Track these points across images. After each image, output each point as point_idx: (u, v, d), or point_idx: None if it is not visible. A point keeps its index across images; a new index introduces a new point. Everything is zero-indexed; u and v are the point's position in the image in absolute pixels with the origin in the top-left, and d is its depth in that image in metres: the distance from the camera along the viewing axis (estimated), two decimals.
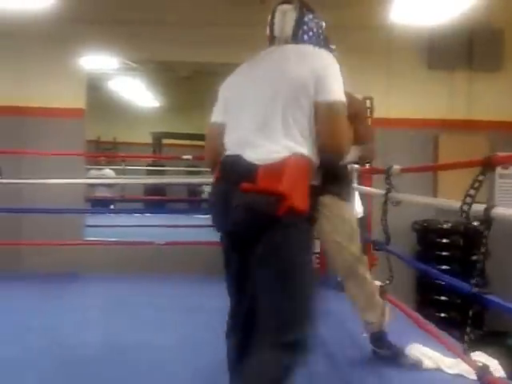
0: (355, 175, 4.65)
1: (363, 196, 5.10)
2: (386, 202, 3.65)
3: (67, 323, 4.37)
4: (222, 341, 2.33)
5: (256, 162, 2.11)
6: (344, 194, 3.67)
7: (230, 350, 2.33)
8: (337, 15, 6.18)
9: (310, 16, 2.38)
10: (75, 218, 6.25)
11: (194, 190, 13.46)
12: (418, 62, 6.65)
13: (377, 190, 4.31)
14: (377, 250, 3.85)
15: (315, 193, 3.22)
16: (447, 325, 5.04)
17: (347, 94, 2.24)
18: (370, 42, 6.22)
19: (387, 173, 3.63)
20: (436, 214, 6.54)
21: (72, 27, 6.00)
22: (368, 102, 5.97)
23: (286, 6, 2.37)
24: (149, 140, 14.96)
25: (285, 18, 2.35)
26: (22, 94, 6.19)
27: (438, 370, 3.39)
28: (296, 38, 2.34)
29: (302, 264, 2.16)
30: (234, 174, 2.16)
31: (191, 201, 13.19)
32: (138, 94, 13.45)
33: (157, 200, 11.48)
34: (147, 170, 13.60)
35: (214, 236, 2.34)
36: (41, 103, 6.19)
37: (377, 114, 6.10)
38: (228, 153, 2.25)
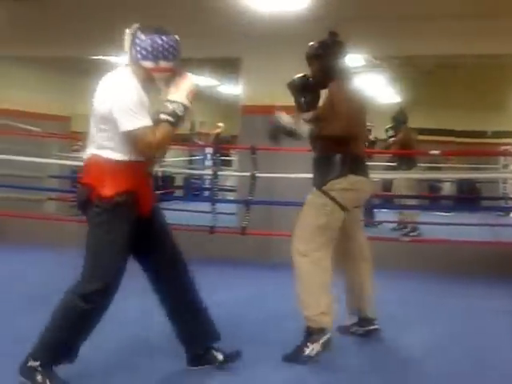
0: None
1: None
2: None
3: None
4: None
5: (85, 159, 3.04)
6: (318, 184, 3.59)
7: None
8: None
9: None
10: None
11: (433, 186, 13.12)
12: None
13: None
14: None
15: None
16: None
17: None
18: None
19: None
20: None
21: (322, 26, 6.17)
22: None
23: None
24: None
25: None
26: (272, 93, 6.50)
27: None
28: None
29: (97, 234, 2.94)
30: None
31: (431, 197, 12.86)
32: (379, 90, 13.37)
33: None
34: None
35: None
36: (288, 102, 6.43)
37: None
38: None
